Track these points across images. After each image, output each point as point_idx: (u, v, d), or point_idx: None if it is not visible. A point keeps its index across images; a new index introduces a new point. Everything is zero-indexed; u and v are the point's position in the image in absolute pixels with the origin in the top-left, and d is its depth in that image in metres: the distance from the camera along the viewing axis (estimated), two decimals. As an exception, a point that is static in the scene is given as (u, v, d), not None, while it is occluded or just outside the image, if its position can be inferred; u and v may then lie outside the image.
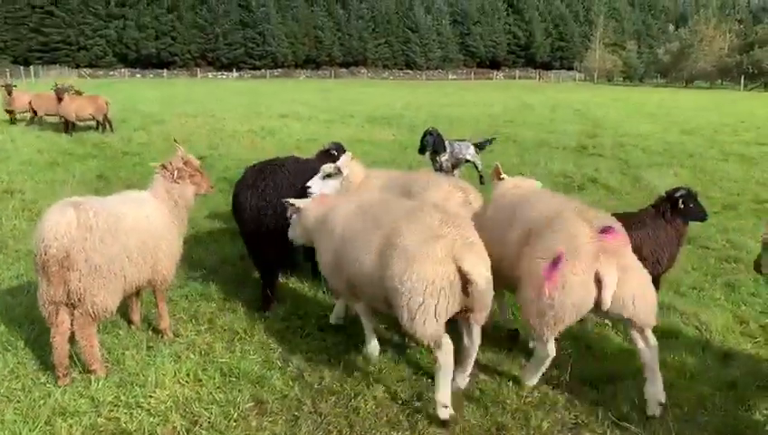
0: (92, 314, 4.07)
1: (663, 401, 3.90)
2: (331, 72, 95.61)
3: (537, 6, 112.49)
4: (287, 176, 5.91)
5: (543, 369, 4.16)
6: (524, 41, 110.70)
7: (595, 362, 4.56)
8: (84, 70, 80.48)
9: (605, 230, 3.83)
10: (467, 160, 10.66)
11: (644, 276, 3.94)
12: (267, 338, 4.92)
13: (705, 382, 4.33)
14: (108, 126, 17.55)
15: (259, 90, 45.82)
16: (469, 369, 4.17)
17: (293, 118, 22.60)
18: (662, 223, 5.32)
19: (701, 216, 5.45)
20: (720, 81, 74.19)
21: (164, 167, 4.73)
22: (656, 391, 3.91)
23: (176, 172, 4.72)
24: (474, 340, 4.06)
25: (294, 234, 4.91)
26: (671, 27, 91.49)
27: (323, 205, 4.68)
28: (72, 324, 4.11)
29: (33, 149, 14.14)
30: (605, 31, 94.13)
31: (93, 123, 17.77)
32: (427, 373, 4.39)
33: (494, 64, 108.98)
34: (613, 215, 5.50)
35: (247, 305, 5.44)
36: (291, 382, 4.27)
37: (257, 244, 5.51)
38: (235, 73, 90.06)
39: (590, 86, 69.56)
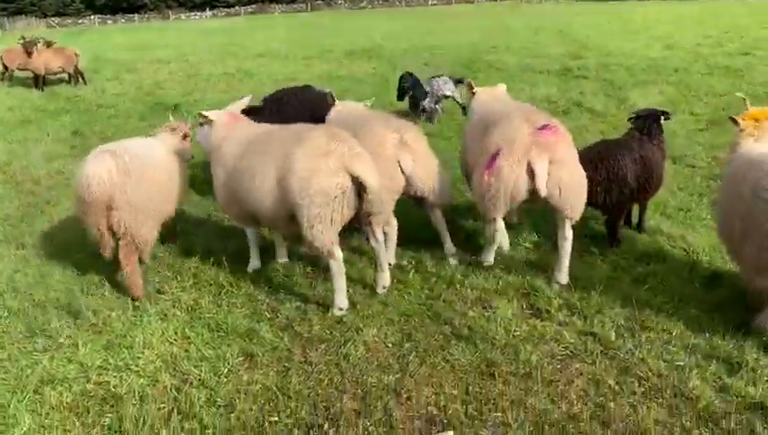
0: (136, 244, 4.69)
1: (564, 281, 4.67)
2: (308, 5, 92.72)
3: None
4: (302, 102, 6.74)
5: (495, 245, 4.74)
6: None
7: (582, 292, 4.55)
8: (52, 19, 77.52)
9: (543, 127, 4.41)
10: (447, 96, 10.59)
11: (575, 170, 4.52)
12: (254, 290, 4.87)
13: (692, 305, 4.35)
14: (80, 78, 16.99)
15: (234, 28, 44.42)
16: (386, 266, 4.71)
17: (270, 57, 21.95)
18: (649, 145, 5.24)
19: None
20: (705, -10, 72.46)
21: (173, 129, 5.49)
22: (561, 274, 4.68)
23: (183, 133, 5.53)
24: (378, 238, 4.65)
25: (200, 139, 5.26)
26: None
27: (229, 127, 5.00)
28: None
29: (3, 108, 13.70)
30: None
31: (65, 76, 17.20)
32: (416, 315, 4.40)
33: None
34: (599, 144, 5.43)
35: (232, 258, 5.35)
36: (280, 333, 4.25)
37: None
38: (208, 12, 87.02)
39: (572, 3, 67.89)
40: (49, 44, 17.49)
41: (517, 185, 4.36)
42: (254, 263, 5.25)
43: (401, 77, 10.25)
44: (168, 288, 4.92)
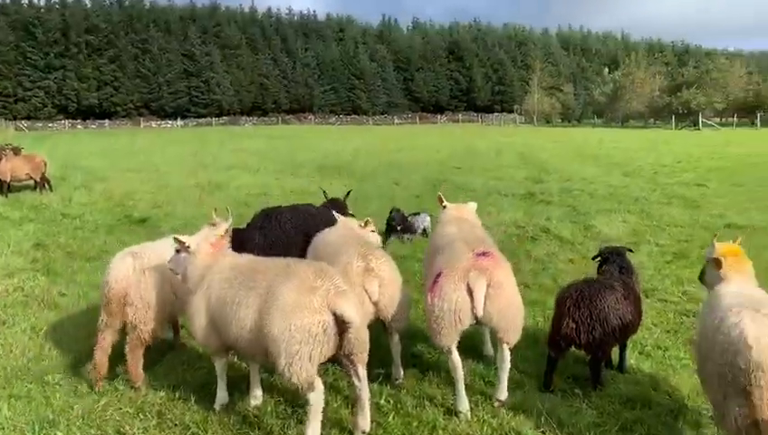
0: (143, 339, 5.13)
1: (503, 398, 4.77)
2: (278, 119, 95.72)
3: (477, 53, 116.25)
4: (290, 219, 7.15)
5: (461, 386, 4.66)
6: (465, 86, 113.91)
7: None
8: (22, 122, 77.98)
9: (482, 253, 4.70)
10: (424, 230, 11.28)
11: (513, 296, 4.72)
12: (224, 432, 4.54)
13: (683, 457, 4.19)
14: (46, 185, 16.82)
15: (204, 139, 45.22)
16: (368, 408, 4.41)
17: (241, 169, 22.24)
18: (630, 281, 5.29)
19: None
20: (653, 120, 77.61)
21: (213, 225, 5.12)
22: (500, 392, 4.77)
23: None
24: (362, 380, 4.36)
25: (174, 267, 4.94)
26: (606, 70, 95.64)
27: (211, 256, 4.78)
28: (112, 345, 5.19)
29: (-38, 215, 13.35)
30: (542, 75, 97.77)
31: (31, 183, 16.99)
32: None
33: (438, 109, 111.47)
34: (582, 282, 5.33)
35: (200, 393, 5.03)
36: (250, 484, 3.92)
37: None
38: (179, 122, 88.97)
39: (530, 128, 71.60)
40: (16, 151, 17.41)
41: (458, 305, 4.53)
42: (222, 395, 4.90)
43: (390, 213, 10.92)
44: (130, 428, 4.55)
